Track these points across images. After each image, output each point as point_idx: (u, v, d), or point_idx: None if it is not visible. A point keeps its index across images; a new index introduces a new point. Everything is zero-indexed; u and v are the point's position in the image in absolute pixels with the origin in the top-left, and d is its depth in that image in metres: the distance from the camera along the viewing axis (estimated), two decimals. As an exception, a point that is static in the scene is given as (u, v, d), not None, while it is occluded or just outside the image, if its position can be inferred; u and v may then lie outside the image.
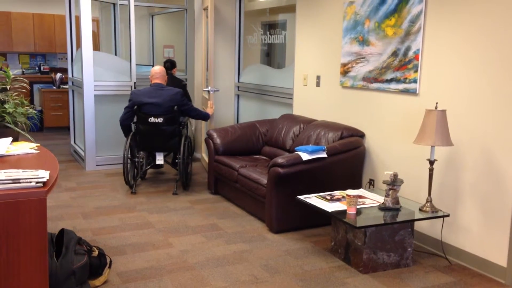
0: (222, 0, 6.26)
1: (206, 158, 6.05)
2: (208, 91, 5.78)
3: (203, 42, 6.52)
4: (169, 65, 6.41)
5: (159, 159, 5.30)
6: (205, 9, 6.33)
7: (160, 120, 5.04)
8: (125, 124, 5.26)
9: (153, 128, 5.08)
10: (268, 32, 6.31)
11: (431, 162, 3.55)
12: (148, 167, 5.50)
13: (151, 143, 5.21)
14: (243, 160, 4.87)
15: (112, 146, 6.38)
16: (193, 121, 7.15)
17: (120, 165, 6.27)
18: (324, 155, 4.08)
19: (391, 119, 4.16)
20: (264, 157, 5.14)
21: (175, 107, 5.09)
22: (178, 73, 7.25)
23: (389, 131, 4.18)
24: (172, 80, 6.14)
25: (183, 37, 7.43)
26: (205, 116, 5.49)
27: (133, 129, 5.35)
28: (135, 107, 5.10)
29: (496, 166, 3.33)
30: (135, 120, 5.26)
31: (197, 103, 7.04)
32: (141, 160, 5.38)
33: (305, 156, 4.01)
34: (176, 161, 5.44)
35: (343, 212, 3.47)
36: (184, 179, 5.32)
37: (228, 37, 6.40)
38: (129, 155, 5.27)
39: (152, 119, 5.05)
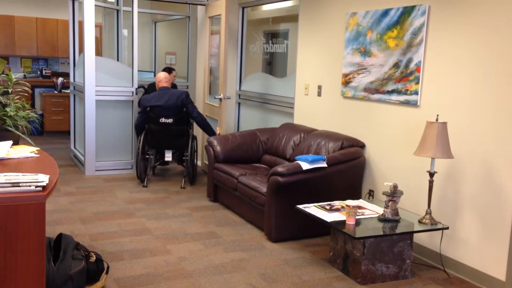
0: (226, 9, 6.26)
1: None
2: (220, 98, 5.84)
3: (206, 50, 6.53)
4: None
5: (168, 156, 5.76)
6: (211, 17, 6.35)
7: (170, 120, 5.52)
8: (140, 127, 5.75)
9: (163, 128, 5.55)
10: (270, 41, 6.33)
11: (431, 174, 3.54)
12: (157, 163, 6.02)
13: (161, 141, 5.69)
14: (243, 168, 4.86)
15: (112, 152, 6.38)
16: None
17: (119, 171, 6.35)
18: (324, 164, 4.08)
19: (391, 130, 4.16)
20: (264, 166, 5.13)
21: (184, 108, 5.54)
22: (179, 80, 7.29)
23: (390, 142, 4.18)
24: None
25: (186, 44, 7.45)
26: (209, 128, 5.77)
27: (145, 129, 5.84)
28: (148, 109, 5.56)
29: (496, 179, 3.32)
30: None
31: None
32: (151, 157, 5.91)
33: (305, 166, 4.00)
34: (184, 158, 5.84)
35: (342, 223, 3.46)
36: (191, 175, 5.81)
37: (231, 45, 6.40)
38: (141, 152, 5.72)
39: (163, 120, 5.52)
